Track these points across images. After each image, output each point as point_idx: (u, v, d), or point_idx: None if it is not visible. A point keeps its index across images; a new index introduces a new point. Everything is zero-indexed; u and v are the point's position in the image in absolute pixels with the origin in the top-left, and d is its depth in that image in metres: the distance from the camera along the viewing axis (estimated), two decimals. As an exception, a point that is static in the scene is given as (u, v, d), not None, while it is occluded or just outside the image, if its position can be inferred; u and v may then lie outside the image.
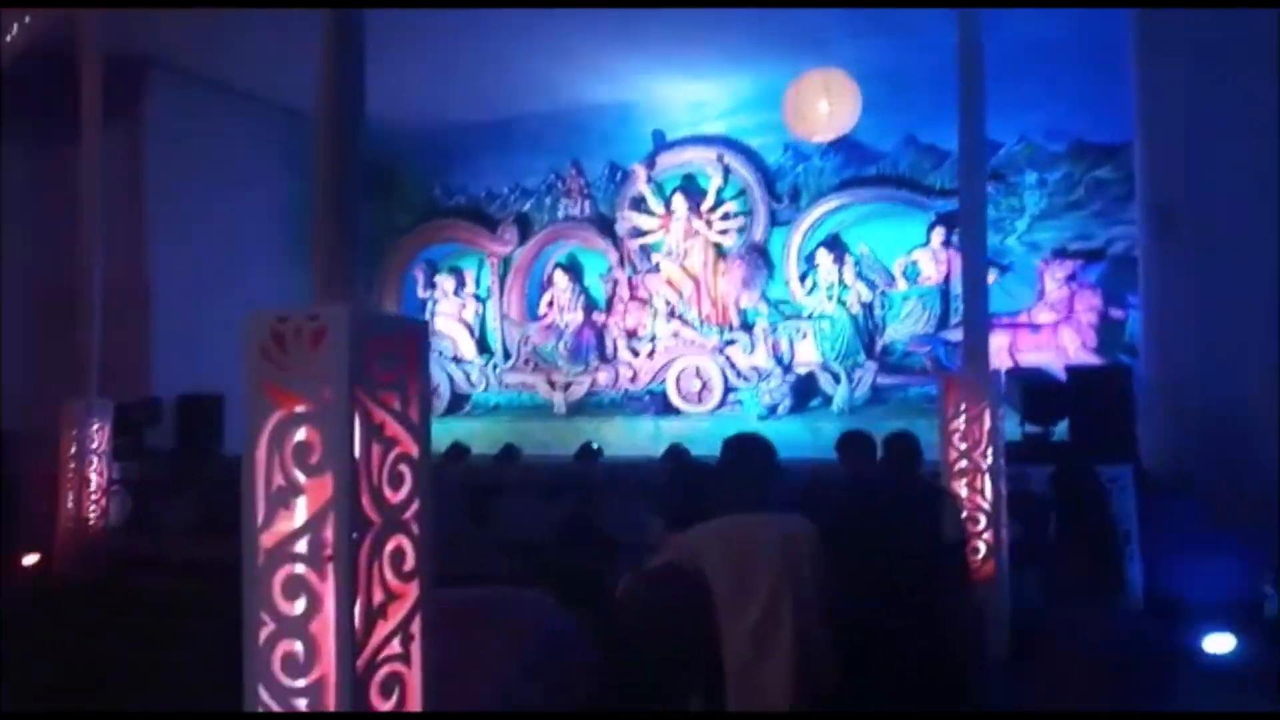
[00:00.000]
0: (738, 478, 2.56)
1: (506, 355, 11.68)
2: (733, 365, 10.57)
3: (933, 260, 9.96)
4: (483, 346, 11.84)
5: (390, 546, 1.68)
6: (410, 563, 1.70)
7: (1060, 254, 9.52)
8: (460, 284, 11.91)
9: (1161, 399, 5.68)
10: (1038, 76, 8.85)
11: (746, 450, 2.63)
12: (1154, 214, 5.54)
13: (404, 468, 1.71)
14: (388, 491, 1.68)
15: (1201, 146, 5.53)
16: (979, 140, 5.68)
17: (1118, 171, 9.26)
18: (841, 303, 10.17)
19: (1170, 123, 5.78)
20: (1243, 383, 5.24)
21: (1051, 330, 9.49)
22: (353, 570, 1.60)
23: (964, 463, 5.16)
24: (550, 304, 11.47)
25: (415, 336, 1.73)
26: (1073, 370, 7.77)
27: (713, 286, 10.74)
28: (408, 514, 1.72)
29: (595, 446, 8.79)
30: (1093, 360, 9.01)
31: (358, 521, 1.63)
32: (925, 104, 9.31)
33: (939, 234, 9.85)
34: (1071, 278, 9.44)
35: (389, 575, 1.67)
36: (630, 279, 11.12)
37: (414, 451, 1.72)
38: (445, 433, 10.27)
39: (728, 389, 10.56)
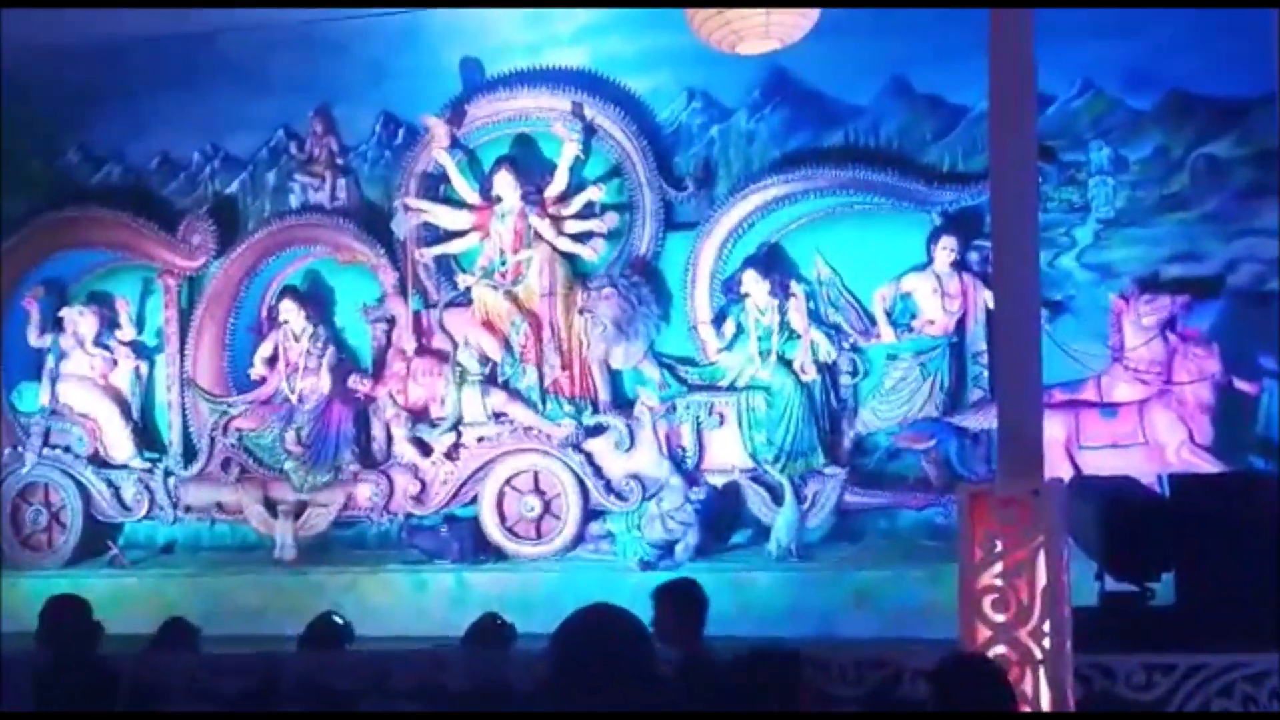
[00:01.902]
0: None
1: (190, 454, 8.85)
2: (598, 470, 8.10)
3: (938, 292, 7.80)
4: (147, 438, 8.99)
5: None
6: None
7: (1149, 285, 7.64)
8: (108, 323, 8.98)
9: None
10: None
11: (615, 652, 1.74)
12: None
13: None
14: None
15: None
16: (1024, 89, 3.88)
17: (1244, 146, 7.44)
18: (785, 363, 7.91)
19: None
20: None
21: (1135, 413, 7.66)
22: None
23: (1001, 648, 3.70)
24: (272, 360, 8.71)
25: None
26: (1180, 482, 5.50)
27: (564, 332, 8.21)
28: None
29: (341, 621, 6.02)
30: (1207, 465, 7.35)
31: None
32: (925, 32, 7.45)
33: (948, 248, 7.64)
34: (1169, 325, 7.60)
35: None
36: (418, 317, 8.46)
37: None
38: (80, 593, 7.23)
39: (589, 513, 8.06)
